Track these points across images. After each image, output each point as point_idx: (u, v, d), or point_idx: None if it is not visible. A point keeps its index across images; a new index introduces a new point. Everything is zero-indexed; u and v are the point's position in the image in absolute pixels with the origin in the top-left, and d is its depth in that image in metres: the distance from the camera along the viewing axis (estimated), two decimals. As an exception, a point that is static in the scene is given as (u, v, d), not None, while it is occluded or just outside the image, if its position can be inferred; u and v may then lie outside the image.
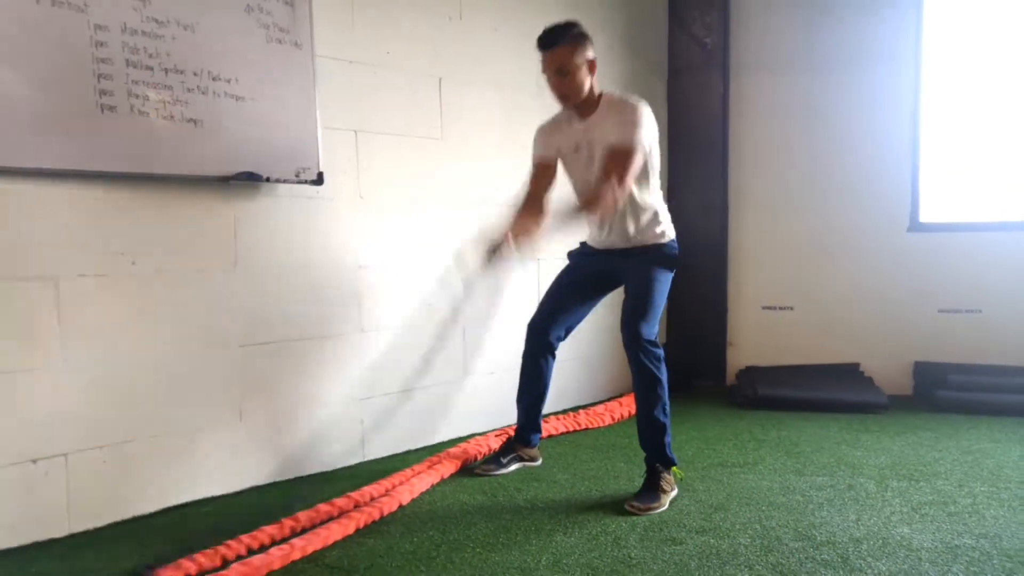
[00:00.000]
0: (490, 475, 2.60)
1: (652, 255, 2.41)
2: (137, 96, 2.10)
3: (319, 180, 2.52)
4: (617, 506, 2.26)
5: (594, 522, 2.13)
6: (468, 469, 2.65)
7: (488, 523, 2.13)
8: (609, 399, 3.76)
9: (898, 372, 3.97)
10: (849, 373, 4.00)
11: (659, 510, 2.24)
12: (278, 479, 2.52)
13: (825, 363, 4.07)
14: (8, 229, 1.95)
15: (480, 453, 2.76)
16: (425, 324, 2.99)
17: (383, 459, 2.79)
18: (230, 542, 1.88)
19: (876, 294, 4.02)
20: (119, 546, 1.99)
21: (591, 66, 2.32)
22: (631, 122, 2.26)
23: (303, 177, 2.48)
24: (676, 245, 2.47)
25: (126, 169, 2.11)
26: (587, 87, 2.33)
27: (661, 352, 2.37)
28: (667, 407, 2.38)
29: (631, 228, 2.39)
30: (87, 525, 2.09)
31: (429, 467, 2.56)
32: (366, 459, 2.77)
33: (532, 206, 2.44)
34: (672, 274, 2.44)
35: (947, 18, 3.91)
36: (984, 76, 3.90)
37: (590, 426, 3.28)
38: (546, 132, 2.50)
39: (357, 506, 2.20)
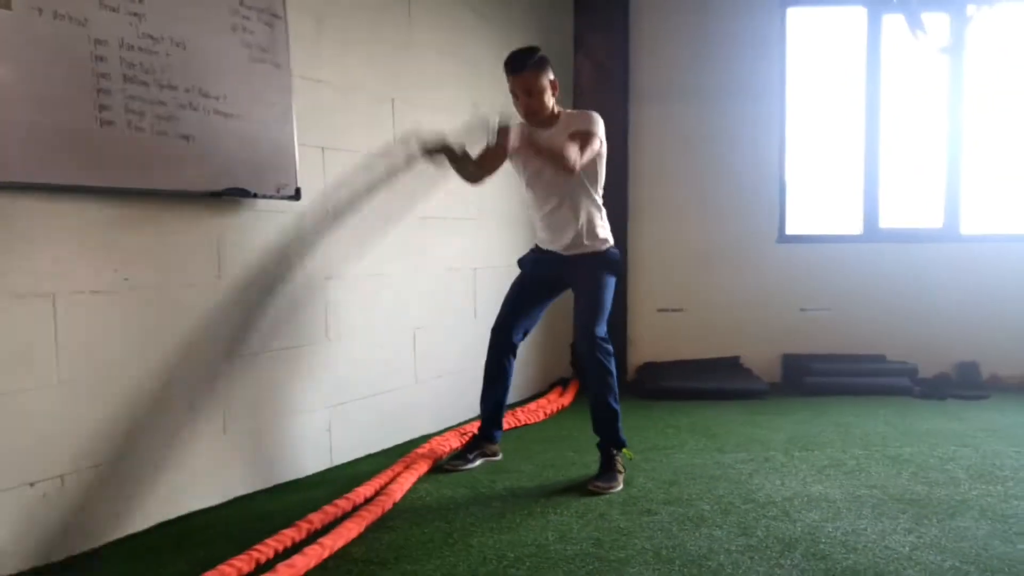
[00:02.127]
0: (459, 470, 2.80)
1: (598, 261, 2.72)
2: (134, 112, 2.10)
3: (297, 195, 2.60)
4: (583, 488, 2.56)
5: (575, 502, 2.42)
6: (437, 466, 2.83)
7: (482, 510, 2.35)
8: (532, 396, 4.06)
9: (770, 363, 4.61)
10: (732, 365, 4.59)
11: (618, 488, 2.56)
12: (259, 487, 2.57)
13: (711, 357, 4.63)
14: (7, 245, 1.90)
15: (445, 451, 2.95)
16: (385, 332, 3.14)
17: (350, 463, 2.90)
18: (259, 546, 1.96)
19: (751, 296, 4.64)
20: (123, 565, 1.99)
21: (553, 87, 2.64)
22: (589, 119, 2.61)
23: (283, 193, 2.56)
24: (616, 251, 2.80)
25: (123, 184, 2.11)
26: (550, 105, 2.64)
27: (611, 348, 2.70)
28: (617, 395, 2.71)
29: (580, 224, 2.66)
30: (86, 546, 2.06)
31: (405, 467, 2.71)
32: (334, 464, 2.87)
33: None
34: (615, 277, 2.76)
35: (806, 61, 4.62)
36: (829, 114, 4.65)
37: (528, 422, 3.56)
38: None
39: (355, 506, 2.33)
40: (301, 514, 2.23)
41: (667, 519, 2.25)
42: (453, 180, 2.97)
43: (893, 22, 4.47)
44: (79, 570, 1.97)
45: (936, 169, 4.57)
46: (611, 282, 2.74)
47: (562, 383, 4.34)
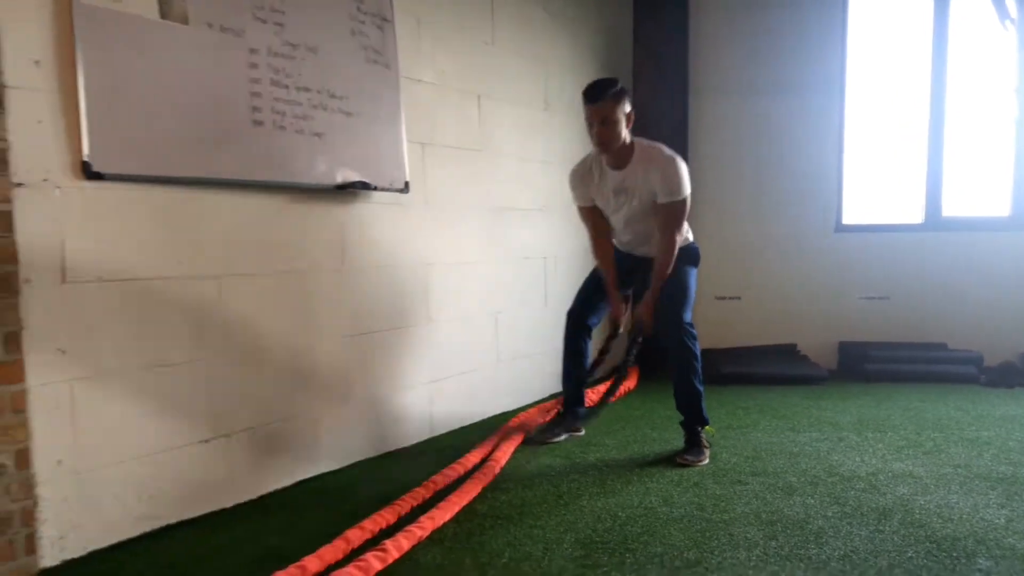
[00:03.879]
0: (548, 443, 3.01)
1: (679, 256, 2.90)
2: (278, 112, 2.33)
3: (406, 188, 2.82)
4: (671, 461, 2.74)
5: (668, 473, 2.61)
6: (527, 439, 3.04)
7: (583, 477, 2.56)
8: (595, 382, 4.23)
9: (827, 350, 4.74)
10: (789, 352, 4.73)
11: (705, 462, 2.75)
12: (374, 454, 2.81)
13: (768, 344, 4.78)
14: (181, 233, 2.15)
15: (532, 426, 3.17)
16: (472, 315, 3.35)
17: (447, 434, 3.13)
18: (398, 501, 2.19)
19: (808, 284, 4.76)
20: (280, 514, 2.24)
21: (629, 118, 2.68)
22: (677, 176, 2.67)
23: (394, 186, 2.78)
24: (697, 246, 2.98)
25: (270, 179, 2.34)
26: (623, 136, 2.67)
27: (696, 333, 2.88)
28: (701, 377, 2.89)
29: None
30: (246, 497, 2.34)
31: (502, 438, 2.93)
32: (434, 435, 3.10)
33: (600, 240, 2.89)
34: (696, 269, 2.95)
35: (867, 48, 4.72)
36: (891, 103, 4.74)
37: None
38: (579, 180, 2.86)
39: (468, 471, 2.55)
40: (417, 478, 2.46)
41: (759, 488, 2.43)
42: (523, 170, 3.14)
43: (960, 6, 4.53)
44: (246, 516, 2.23)
45: (1003, 156, 4.59)
46: (693, 272, 2.92)
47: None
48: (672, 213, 2.71)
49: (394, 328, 2.91)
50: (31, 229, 1.88)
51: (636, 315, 2.87)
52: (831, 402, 3.75)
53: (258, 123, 2.27)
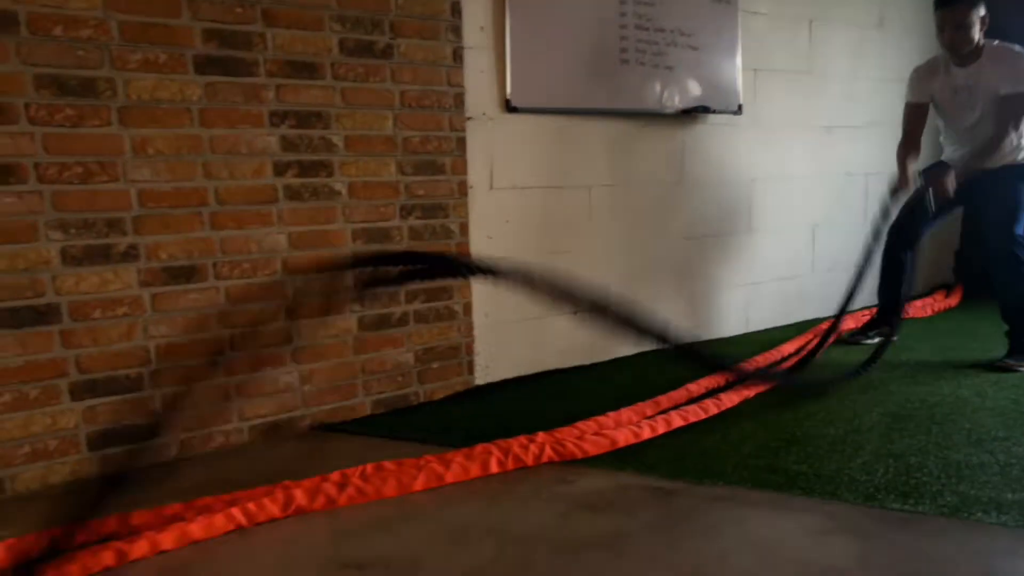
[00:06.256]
0: (860, 343, 3.27)
1: (1013, 171, 2.87)
2: (640, 51, 2.88)
3: (739, 110, 3.22)
4: (989, 366, 2.84)
5: (984, 374, 2.74)
6: (840, 339, 3.33)
7: (894, 371, 2.82)
8: (917, 296, 4.25)
9: None
10: None
11: (1026, 368, 2.81)
12: (697, 340, 3.36)
13: None
14: (565, 152, 2.85)
15: (844, 329, 3.44)
16: (790, 227, 3.67)
17: (761, 331, 3.56)
18: (739, 365, 2.75)
19: None
20: (629, 370, 2.93)
21: (983, 22, 2.71)
22: (1021, 72, 2.67)
23: (728, 108, 3.20)
24: None
25: (629, 107, 2.93)
26: (975, 40, 2.72)
27: None
28: None
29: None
30: (598, 359, 3.06)
31: (815, 335, 3.27)
32: (749, 331, 3.56)
33: (912, 144, 2.96)
34: None
35: None
36: None
37: (917, 316, 3.84)
38: (922, 77, 2.94)
39: (784, 357, 2.98)
40: (737, 358, 2.94)
41: (1088, 396, 2.49)
42: (851, 89, 3.34)
43: None
44: (601, 371, 2.95)
45: None
46: None
47: (945, 288, 4.43)
48: (1011, 105, 2.70)
49: (721, 234, 3.38)
50: (474, 150, 2.68)
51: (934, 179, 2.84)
52: None
53: (624, 61, 2.84)
